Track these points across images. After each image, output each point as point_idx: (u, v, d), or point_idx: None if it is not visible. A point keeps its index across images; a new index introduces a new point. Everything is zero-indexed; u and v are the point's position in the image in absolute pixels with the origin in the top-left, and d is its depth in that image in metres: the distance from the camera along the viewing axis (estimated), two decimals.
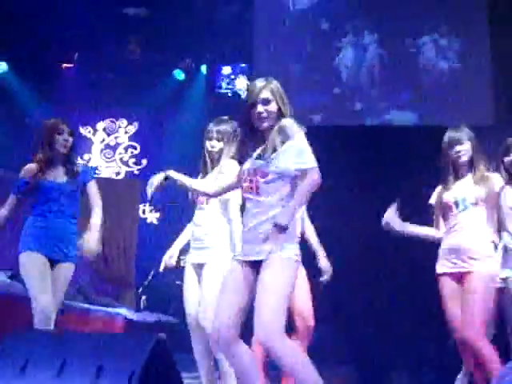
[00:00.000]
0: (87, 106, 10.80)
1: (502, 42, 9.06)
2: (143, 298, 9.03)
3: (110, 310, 7.85)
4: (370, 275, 8.50)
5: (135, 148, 11.06)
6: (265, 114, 4.01)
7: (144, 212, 10.67)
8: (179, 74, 10.80)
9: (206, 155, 5.25)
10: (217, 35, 10.02)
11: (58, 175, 5.32)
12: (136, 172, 10.98)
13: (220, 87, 10.79)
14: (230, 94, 10.75)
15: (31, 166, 5.28)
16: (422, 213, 5.32)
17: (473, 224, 5.01)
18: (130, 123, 11.10)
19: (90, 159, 10.92)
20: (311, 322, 5.30)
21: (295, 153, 3.89)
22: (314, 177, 3.86)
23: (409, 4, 9.40)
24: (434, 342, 7.04)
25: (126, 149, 11.07)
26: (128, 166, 11.02)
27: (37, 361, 3.63)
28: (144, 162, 10.99)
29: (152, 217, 10.71)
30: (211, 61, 10.78)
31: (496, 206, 5.03)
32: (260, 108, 4.00)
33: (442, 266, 5.05)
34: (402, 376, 7.61)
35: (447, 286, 5.01)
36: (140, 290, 9.01)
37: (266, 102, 4.02)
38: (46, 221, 5.24)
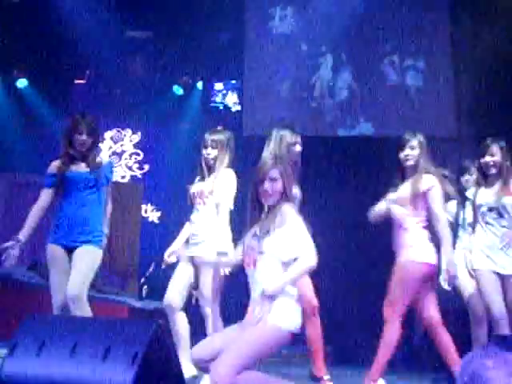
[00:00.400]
0: (96, 117, 10.74)
1: (463, 62, 9.09)
2: (145, 287, 9.02)
3: (115, 298, 7.84)
4: (342, 269, 8.53)
5: (139, 155, 11.06)
6: (270, 192, 3.84)
7: (146, 211, 10.68)
8: (178, 90, 10.79)
9: (203, 162, 5.28)
10: (211, 55, 10.05)
11: (80, 167, 4.97)
12: (139, 176, 11.00)
13: (214, 101, 10.82)
14: (221, 108, 10.78)
15: (56, 162, 5.02)
16: None
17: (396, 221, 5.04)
18: (134, 133, 11.10)
19: None
20: (315, 303, 5.21)
21: (290, 241, 3.76)
22: (311, 263, 3.73)
23: (377, 27, 9.39)
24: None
25: (130, 155, 11.08)
26: (132, 171, 11.03)
27: (51, 342, 3.62)
28: (146, 167, 11.01)
29: (153, 216, 10.73)
30: (206, 78, 10.79)
31: (422, 203, 4.96)
32: (267, 185, 3.84)
33: None
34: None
35: None
36: (142, 280, 9.00)
37: (274, 180, 3.86)
38: (68, 210, 4.89)
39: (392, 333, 4.92)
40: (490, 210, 5.14)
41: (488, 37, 8.48)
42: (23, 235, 4.77)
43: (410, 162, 5.01)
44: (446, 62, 9.26)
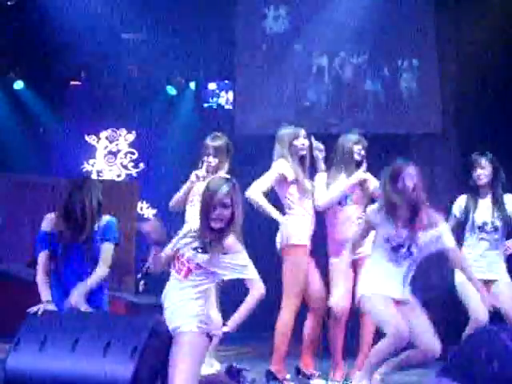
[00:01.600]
0: (92, 117, 10.81)
1: (448, 58, 9.12)
2: (141, 283, 9.05)
3: (112, 293, 7.85)
4: None
5: (133, 154, 11.09)
6: (221, 218, 3.79)
7: (142, 209, 10.71)
8: (171, 90, 10.80)
9: (204, 168, 5.34)
10: (204, 56, 10.07)
11: None
12: (134, 174, 11.04)
13: (206, 101, 10.84)
14: (214, 107, 10.80)
15: None
16: None
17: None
18: (129, 132, 11.11)
19: (94, 163, 10.94)
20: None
21: (232, 266, 3.80)
22: (262, 290, 3.84)
23: (368, 28, 9.41)
24: None
25: (125, 154, 11.10)
26: (127, 169, 11.06)
27: (54, 338, 3.66)
28: (141, 165, 11.04)
29: (149, 213, 10.76)
30: (199, 78, 10.80)
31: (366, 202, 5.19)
32: (218, 211, 3.78)
33: None
34: None
35: None
36: (139, 276, 9.02)
37: (225, 207, 3.79)
38: None
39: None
40: (486, 224, 5.21)
41: (473, 33, 8.51)
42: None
43: (357, 157, 5.18)
44: (432, 60, 9.27)
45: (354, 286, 5.23)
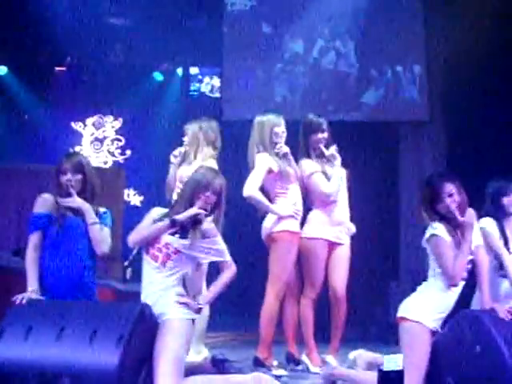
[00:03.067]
0: (78, 104, 10.77)
1: (435, 47, 9.13)
2: (129, 270, 9.05)
3: (100, 281, 7.84)
4: None
5: (120, 140, 11.08)
6: (210, 202, 3.93)
7: (129, 196, 10.71)
8: (158, 76, 10.79)
9: (181, 149, 5.37)
10: (191, 42, 10.03)
11: None
12: (121, 161, 11.03)
13: (193, 87, 10.82)
14: (201, 93, 10.81)
15: None
16: None
17: None
18: (115, 119, 11.09)
19: (81, 150, 10.90)
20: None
21: (215, 250, 3.94)
22: (235, 270, 4.01)
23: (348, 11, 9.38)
24: None
25: (112, 141, 11.09)
26: (114, 156, 11.05)
27: (38, 327, 3.66)
28: (128, 152, 11.03)
29: (136, 200, 10.77)
30: (186, 64, 10.79)
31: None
32: (211, 197, 3.92)
33: None
34: None
35: None
36: (126, 263, 9.02)
37: (215, 193, 3.94)
38: None
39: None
40: None
41: (460, 20, 8.52)
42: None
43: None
44: (420, 48, 9.27)
45: (327, 268, 5.33)
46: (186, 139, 5.41)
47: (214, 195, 3.94)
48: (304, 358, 5.31)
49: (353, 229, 5.47)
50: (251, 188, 5.09)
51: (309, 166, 5.36)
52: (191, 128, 5.41)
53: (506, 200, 4.57)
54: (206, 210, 3.93)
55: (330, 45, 9.44)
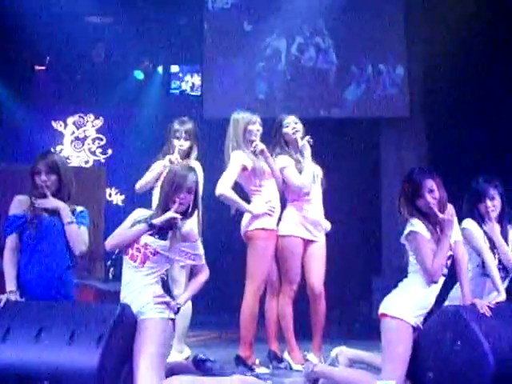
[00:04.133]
0: (59, 103, 10.71)
1: (414, 42, 9.15)
2: (111, 269, 9.02)
3: (82, 281, 7.82)
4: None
5: (101, 139, 11.04)
6: (185, 202, 3.93)
7: (110, 195, 10.67)
8: (139, 75, 10.76)
9: (175, 152, 5.32)
10: (172, 39, 10.01)
11: None
12: (102, 160, 11.00)
13: (174, 85, 10.80)
14: (182, 91, 10.81)
15: None
16: None
17: None
18: (96, 118, 11.06)
19: (61, 150, 10.85)
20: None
21: (194, 255, 3.96)
22: (208, 274, 4.03)
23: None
24: None
25: (93, 140, 11.05)
26: (95, 155, 11.01)
27: (17, 328, 3.63)
28: (109, 151, 11.00)
29: (117, 199, 10.74)
30: (166, 62, 10.76)
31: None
32: (185, 196, 3.92)
33: None
34: None
35: None
36: (108, 263, 8.99)
37: (190, 191, 3.95)
38: None
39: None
40: None
41: (440, 17, 8.55)
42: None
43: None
44: (400, 45, 9.28)
45: (303, 266, 5.34)
46: (181, 141, 5.36)
47: (189, 194, 3.94)
48: (286, 356, 5.30)
49: (328, 226, 5.47)
50: (223, 186, 5.08)
51: (281, 161, 5.36)
52: (188, 126, 5.38)
53: (483, 206, 4.57)
54: (184, 210, 3.94)
55: (310, 42, 9.44)
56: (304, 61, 9.49)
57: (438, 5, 8.57)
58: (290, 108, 9.16)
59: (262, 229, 5.14)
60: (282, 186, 5.35)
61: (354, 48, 9.36)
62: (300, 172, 5.29)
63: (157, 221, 3.87)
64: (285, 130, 5.40)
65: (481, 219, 4.55)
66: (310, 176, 5.28)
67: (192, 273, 4.20)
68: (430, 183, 4.09)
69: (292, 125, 5.39)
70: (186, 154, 5.35)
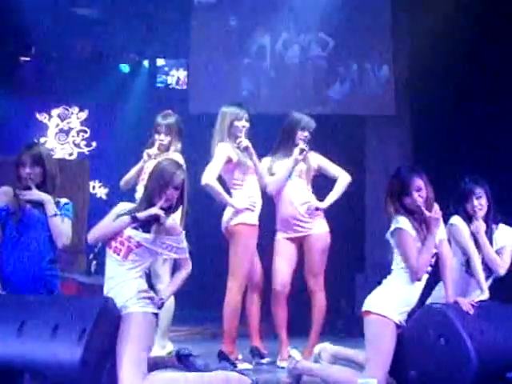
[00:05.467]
0: (43, 94, 10.63)
1: (400, 40, 9.17)
2: (93, 263, 8.97)
3: (64, 274, 7.77)
4: None
5: (86, 132, 10.96)
6: (172, 198, 3.93)
7: (94, 188, 10.62)
8: (124, 68, 10.70)
9: (155, 146, 5.32)
10: (157, 33, 9.97)
11: None
12: (87, 153, 10.91)
13: (160, 79, 10.76)
14: (168, 85, 10.75)
15: None
16: None
17: None
18: (81, 110, 10.97)
19: (46, 142, 10.78)
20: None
21: (177, 248, 3.95)
22: (190, 267, 4.02)
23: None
24: None
25: (77, 133, 10.97)
26: (80, 148, 10.94)
27: None
28: (94, 144, 10.92)
29: (101, 192, 10.69)
30: (152, 56, 10.72)
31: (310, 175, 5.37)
32: (172, 193, 3.92)
33: None
34: None
35: None
36: (91, 256, 8.94)
37: (177, 188, 3.94)
38: None
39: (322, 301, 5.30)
40: None
41: (426, 14, 8.57)
42: None
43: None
44: (386, 42, 9.28)
45: (298, 262, 5.34)
46: (162, 136, 5.35)
47: (175, 190, 3.92)
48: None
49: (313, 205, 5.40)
50: (209, 176, 5.05)
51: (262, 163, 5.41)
52: (169, 120, 5.37)
53: (469, 205, 4.58)
54: (169, 206, 3.93)
55: (295, 39, 9.43)
56: (288, 58, 9.47)
57: (424, 3, 8.58)
58: (275, 105, 9.22)
59: (243, 224, 5.12)
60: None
61: (340, 46, 9.33)
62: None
63: (141, 215, 3.85)
64: (299, 138, 5.38)
65: (468, 218, 4.57)
66: (277, 180, 5.33)
67: (175, 267, 4.19)
68: (419, 182, 4.11)
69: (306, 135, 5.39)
70: (166, 149, 5.34)
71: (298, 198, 5.35)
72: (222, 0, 9.57)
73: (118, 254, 3.86)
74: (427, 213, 4.05)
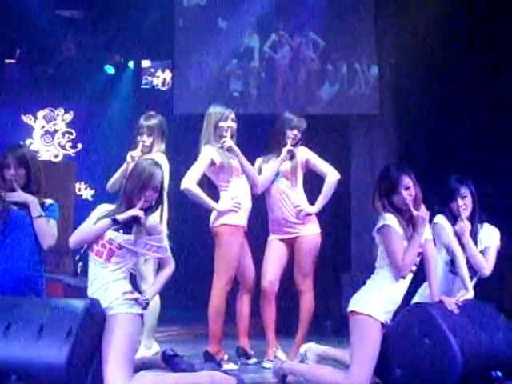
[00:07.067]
0: (28, 96, 10.58)
1: (385, 40, 9.19)
2: (80, 264, 8.95)
3: (50, 275, 7.74)
4: None
5: (71, 134, 10.92)
6: (150, 199, 3.94)
7: (80, 190, 10.59)
8: (109, 69, 10.65)
9: (138, 148, 5.32)
10: (143, 34, 9.94)
11: None
12: (72, 155, 10.87)
13: (145, 80, 10.74)
14: (153, 86, 10.71)
15: None
16: None
17: None
18: (66, 112, 10.93)
19: (31, 144, 10.74)
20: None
21: (159, 248, 3.96)
22: (174, 266, 4.02)
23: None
24: None
25: (63, 134, 10.92)
26: (65, 150, 10.89)
27: None
28: (79, 145, 10.88)
29: (87, 194, 10.65)
30: (137, 57, 10.69)
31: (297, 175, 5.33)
32: (151, 194, 3.93)
33: None
34: None
35: None
36: (77, 257, 8.92)
37: (156, 188, 3.95)
38: None
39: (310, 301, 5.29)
40: None
41: (410, 16, 8.60)
42: None
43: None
44: (370, 42, 9.30)
45: (289, 263, 5.35)
46: (144, 137, 5.35)
47: (154, 192, 3.93)
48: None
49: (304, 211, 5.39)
50: (188, 181, 5.03)
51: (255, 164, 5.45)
52: (151, 122, 5.37)
53: (454, 205, 4.60)
54: (148, 207, 3.94)
55: (284, 40, 9.43)
56: (278, 58, 9.47)
57: (407, 4, 8.62)
58: (263, 105, 9.22)
59: (227, 225, 5.11)
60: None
61: (330, 47, 9.34)
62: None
63: (120, 217, 3.85)
64: (288, 137, 5.39)
65: (453, 218, 4.58)
66: (263, 179, 5.34)
67: (159, 267, 4.18)
68: (407, 180, 4.13)
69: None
70: (149, 149, 5.35)
71: (286, 199, 5.35)
72: (210, 1, 9.56)
73: (101, 257, 3.86)
74: (415, 211, 4.07)
